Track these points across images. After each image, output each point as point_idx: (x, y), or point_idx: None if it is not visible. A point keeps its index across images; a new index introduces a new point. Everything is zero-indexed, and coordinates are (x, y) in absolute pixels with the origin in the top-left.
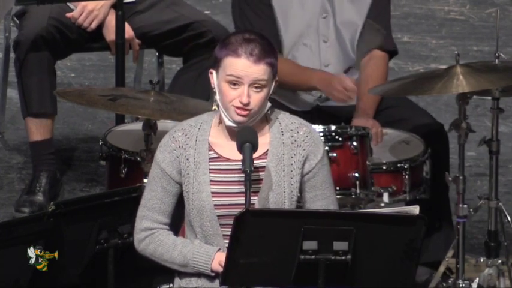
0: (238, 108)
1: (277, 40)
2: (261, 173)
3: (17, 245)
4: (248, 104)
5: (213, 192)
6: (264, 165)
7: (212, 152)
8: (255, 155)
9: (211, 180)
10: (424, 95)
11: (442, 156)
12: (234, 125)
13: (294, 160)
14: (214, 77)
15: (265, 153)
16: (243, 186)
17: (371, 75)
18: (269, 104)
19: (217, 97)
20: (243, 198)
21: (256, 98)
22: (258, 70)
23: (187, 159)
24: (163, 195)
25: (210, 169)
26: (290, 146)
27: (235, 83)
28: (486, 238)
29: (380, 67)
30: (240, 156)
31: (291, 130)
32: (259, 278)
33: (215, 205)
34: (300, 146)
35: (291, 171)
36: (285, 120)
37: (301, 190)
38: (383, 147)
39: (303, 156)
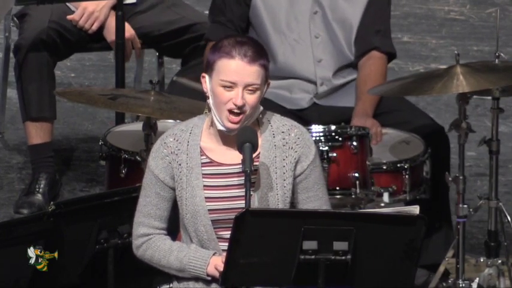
0: (231, 112)
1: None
2: (253, 177)
3: (17, 245)
4: (242, 106)
5: (206, 197)
6: (256, 168)
7: (204, 157)
8: None
9: (204, 185)
10: (424, 95)
11: (443, 158)
12: (224, 129)
13: (286, 162)
14: (206, 81)
15: (257, 156)
16: (236, 191)
17: (369, 75)
18: (261, 108)
19: (209, 101)
20: (237, 202)
21: (249, 100)
22: (252, 72)
23: (180, 165)
24: (158, 201)
25: (203, 174)
26: (282, 149)
27: (230, 86)
28: (486, 238)
29: (378, 68)
30: (232, 161)
31: (283, 132)
32: (259, 278)
33: (209, 210)
34: (292, 148)
35: (283, 173)
36: (276, 122)
37: (293, 191)
38: (383, 147)
39: (295, 158)
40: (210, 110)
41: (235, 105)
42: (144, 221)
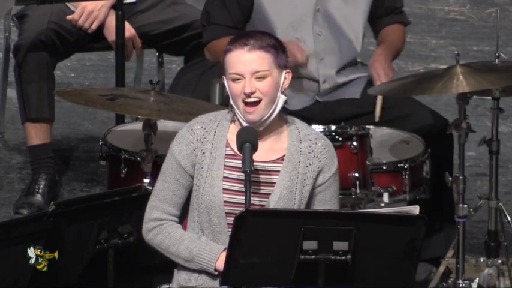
0: (246, 104)
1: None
2: (274, 177)
3: (17, 245)
4: (252, 93)
5: (224, 189)
6: (278, 169)
7: (229, 149)
8: (271, 158)
9: (224, 177)
10: (424, 95)
11: (447, 152)
12: (246, 123)
13: (309, 169)
14: (225, 82)
15: (282, 158)
16: (254, 187)
17: (391, 29)
18: (283, 97)
19: (230, 99)
20: (253, 198)
21: (260, 87)
22: (254, 59)
23: (204, 153)
24: (176, 187)
25: (224, 166)
26: (307, 156)
27: (238, 78)
28: (486, 238)
29: (400, 29)
30: (256, 157)
31: (310, 140)
32: (259, 278)
33: (225, 202)
34: (317, 157)
35: (304, 180)
36: (303, 129)
37: (309, 203)
38: (383, 147)
39: (318, 168)
40: (232, 109)
41: (245, 93)
42: (159, 206)
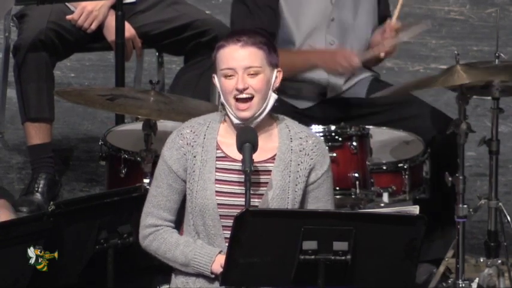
0: (238, 100)
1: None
2: (266, 177)
3: (17, 245)
4: (245, 89)
5: (217, 191)
6: (270, 169)
7: (219, 151)
8: (262, 158)
9: (216, 179)
10: (425, 95)
11: (451, 153)
12: (239, 122)
13: (301, 168)
14: (216, 80)
15: (273, 158)
16: None
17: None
18: (275, 96)
19: (221, 97)
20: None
21: (253, 83)
22: (247, 54)
23: (194, 157)
24: (169, 193)
25: (216, 168)
26: (298, 154)
27: (230, 74)
28: (486, 238)
29: None
30: None
31: (300, 138)
32: (259, 278)
33: (218, 204)
34: (308, 154)
35: (296, 178)
36: (294, 128)
37: (303, 201)
38: (383, 147)
39: (310, 165)
40: (224, 107)
41: (238, 89)
42: (153, 212)
